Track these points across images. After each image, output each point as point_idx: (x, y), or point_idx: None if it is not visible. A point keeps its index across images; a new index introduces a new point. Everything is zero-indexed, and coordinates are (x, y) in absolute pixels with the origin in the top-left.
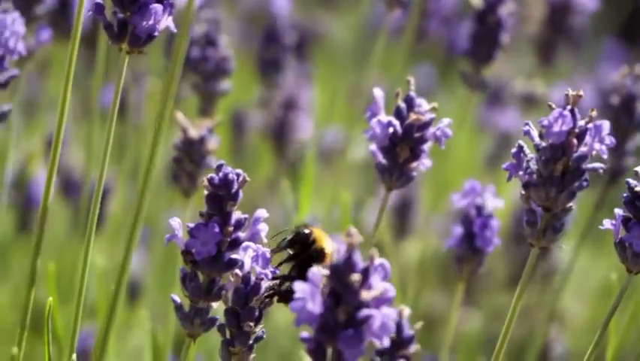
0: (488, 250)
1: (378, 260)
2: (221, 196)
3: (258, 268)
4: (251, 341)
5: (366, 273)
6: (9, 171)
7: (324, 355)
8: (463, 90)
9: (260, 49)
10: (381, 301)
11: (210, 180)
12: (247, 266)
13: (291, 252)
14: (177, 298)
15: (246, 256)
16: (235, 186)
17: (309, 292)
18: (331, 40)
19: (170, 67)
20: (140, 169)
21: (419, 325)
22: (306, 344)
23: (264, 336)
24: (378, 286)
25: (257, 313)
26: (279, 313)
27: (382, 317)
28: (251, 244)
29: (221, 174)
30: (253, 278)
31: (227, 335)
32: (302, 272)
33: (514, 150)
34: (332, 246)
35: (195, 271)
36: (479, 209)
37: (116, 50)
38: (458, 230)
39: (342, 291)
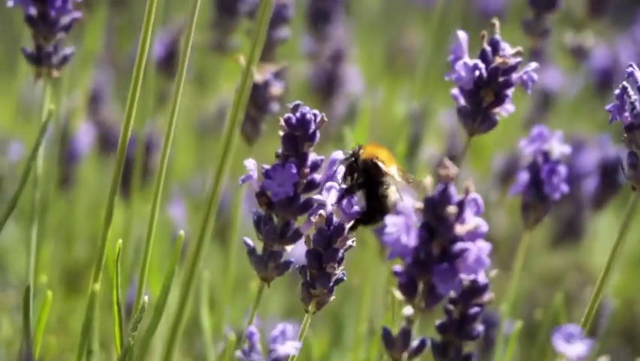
0: (555, 197)
1: (472, 194)
2: (298, 137)
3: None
4: (331, 283)
5: (461, 206)
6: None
7: (415, 289)
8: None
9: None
10: (475, 235)
11: (287, 121)
12: (330, 207)
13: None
14: (250, 242)
15: (329, 196)
16: (312, 127)
17: (403, 225)
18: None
19: (259, 15)
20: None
21: (494, 272)
22: (398, 277)
23: (345, 278)
24: (472, 220)
25: (340, 255)
26: None
27: (478, 250)
28: (334, 184)
29: (298, 114)
30: (336, 219)
31: (308, 277)
32: (363, 186)
33: (617, 91)
34: (389, 158)
35: (270, 213)
36: (546, 155)
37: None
38: (524, 176)
39: (437, 224)
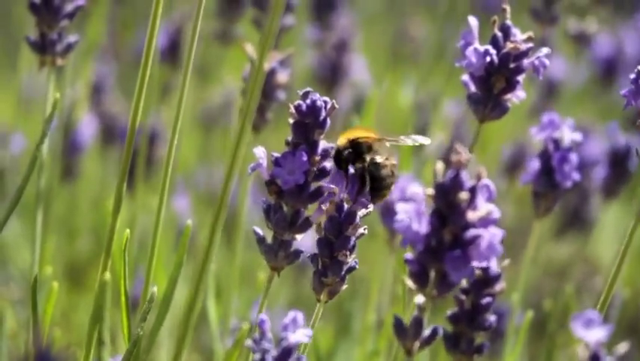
0: (567, 185)
1: (484, 180)
2: (308, 124)
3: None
4: (343, 272)
5: (472, 192)
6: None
7: (426, 278)
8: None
9: None
10: (487, 221)
11: (297, 108)
12: (341, 195)
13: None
14: (260, 231)
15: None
16: (323, 114)
17: (414, 212)
18: None
19: (272, 4)
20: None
21: (506, 262)
22: (409, 266)
23: (357, 267)
24: (484, 206)
25: (351, 243)
26: None
27: (490, 237)
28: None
29: (308, 101)
30: (346, 206)
31: (320, 266)
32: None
33: (632, 75)
34: (367, 132)
35: (280, 202)
36: (557, 143)
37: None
38: (535, 164)
39: (448, 211)
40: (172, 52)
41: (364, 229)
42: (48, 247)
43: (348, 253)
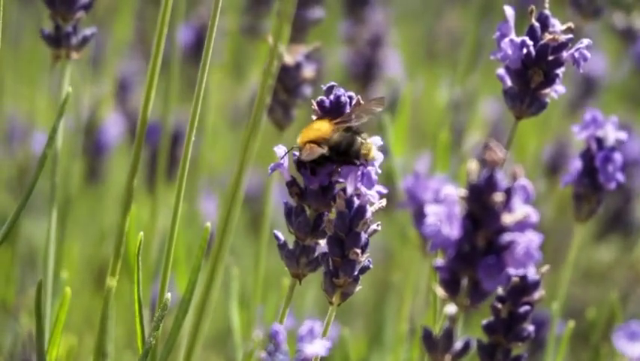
0: (610, 187)
1: (521, 180)
2: None
3: (363, 190)
4: (356, 272)
5: (508, 194)
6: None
7: (458, 286)
8: None
9: None
10: (524, 225)
11: (320, 103)
12: (350, 190)
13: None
14: (281, 235)
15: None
16: (347, 110)
17: (445, 215)
18: None
19: None
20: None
21: (546, 268)
22: (440, 273)
23: (371, 266)
24: (521, 208)
25: (363, 240)
26: None
27: (527, 242)
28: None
29: (332, 97)
30: (357, 201)
31: (331, 266)
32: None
33: None
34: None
35: (302, 205)
36: (600, 142)
37: None
38: (577, 165)
39: (482, 214)
40: (198, 48)
41: (377, 225)
42: (72, 251)
43: (359, 251)
